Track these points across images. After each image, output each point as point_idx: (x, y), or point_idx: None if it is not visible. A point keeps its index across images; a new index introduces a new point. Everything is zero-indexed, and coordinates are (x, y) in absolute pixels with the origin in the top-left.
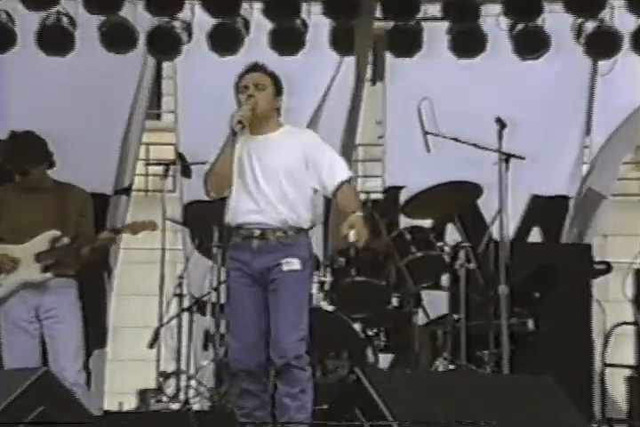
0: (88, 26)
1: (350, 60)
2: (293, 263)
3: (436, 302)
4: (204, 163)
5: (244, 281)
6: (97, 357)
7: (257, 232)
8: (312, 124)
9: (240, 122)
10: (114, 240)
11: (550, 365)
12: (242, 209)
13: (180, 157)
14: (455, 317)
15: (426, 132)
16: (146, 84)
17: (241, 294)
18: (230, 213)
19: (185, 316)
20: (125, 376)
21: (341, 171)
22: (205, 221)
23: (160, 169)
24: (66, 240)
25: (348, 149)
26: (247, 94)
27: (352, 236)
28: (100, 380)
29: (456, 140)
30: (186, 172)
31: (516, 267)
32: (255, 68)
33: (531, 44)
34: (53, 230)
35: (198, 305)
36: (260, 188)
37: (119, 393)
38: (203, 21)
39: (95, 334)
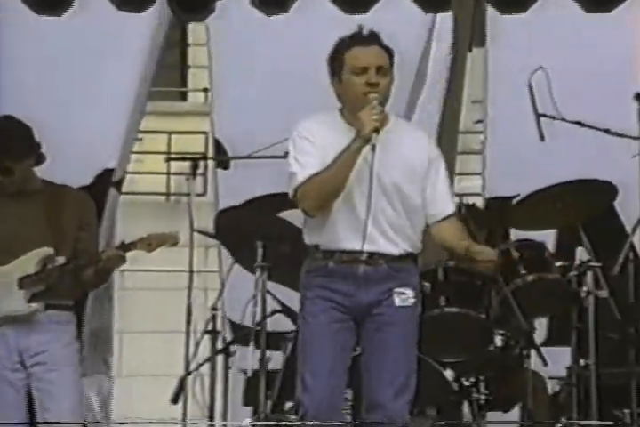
0: None
1: (444, 19)
2: (408, 296)
3: None
4: (248, 157)
5: (338, 316)
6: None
7: (364, 255)
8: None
9: (377, 129)
10: (122, 259)
11: None
12: (345, 235)
13: (217, 145)
14: (582, 362)
15: (539, 115)
16: (153, 52)
17: (330, 331)
18: (326, 235)
19: (219, 360)
20: None
21: (452, 196)
22: (245, 235)
23: (186, 166)
24: (60, 260)
25: (448, 143)
26: (368, 82)
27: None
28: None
29: (580, 124)
30: (222, 161)
31: None
32: (371, 38)
33: None
34: (44, 247)
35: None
36: (375, 208)
37: None
38: None
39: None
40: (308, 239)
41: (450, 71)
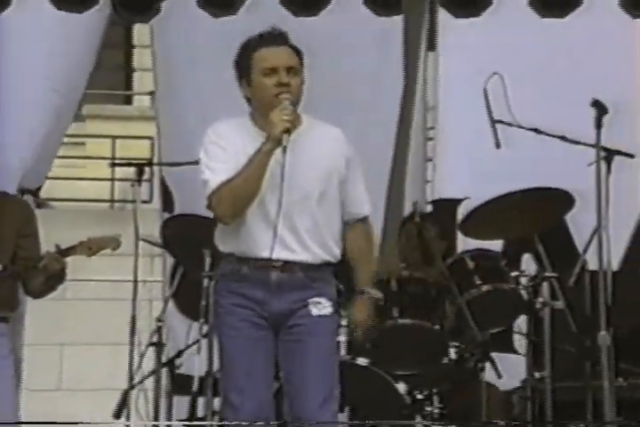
0: None
1: (393, 22)
2: (324, 305)
3: (509, 356)
4: (194, 162)
5: (256, 321)
6: None
7: (277, 263)
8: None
9: (288, 130)
10: (62, 264)
11: None
12: (259, 242)
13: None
14: (537, 375)
15: (495, 121)
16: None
17: (250, 343)
18: (240, 243)
19: (164, 374)
20: None
21: (367, 200)
22: (192, 243)
23: (131, 172)
24: None
25: (402, 151)
26: (280, 82)
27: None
28: None
29: (536, 131)
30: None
31: (622, 307)
32: (280, 39)
33: None
34: None
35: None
36: (288, 214)
37: None
38: None
39: None
40: (222, 247)
41: (404, 76)
